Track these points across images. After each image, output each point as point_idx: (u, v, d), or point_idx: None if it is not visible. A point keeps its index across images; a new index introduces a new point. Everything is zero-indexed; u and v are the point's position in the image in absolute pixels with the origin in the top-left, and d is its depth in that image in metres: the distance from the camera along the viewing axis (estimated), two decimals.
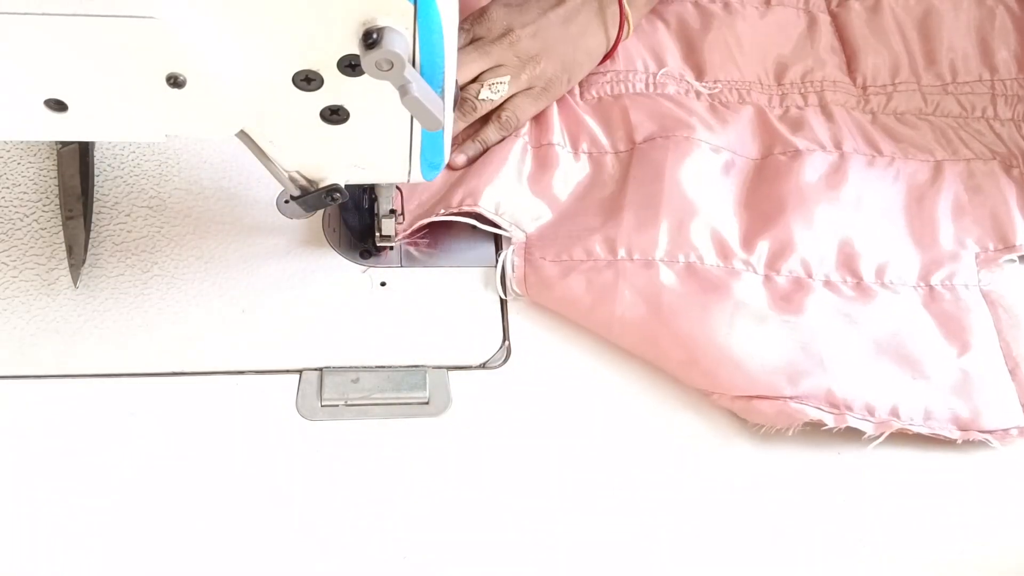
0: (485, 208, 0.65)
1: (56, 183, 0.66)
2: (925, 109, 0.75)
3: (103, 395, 0.59)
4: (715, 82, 0.75)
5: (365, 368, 0.61)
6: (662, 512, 0.57)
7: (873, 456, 0.59)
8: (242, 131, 0.50)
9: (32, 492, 0.55)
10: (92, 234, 0.64)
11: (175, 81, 0.44)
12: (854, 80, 0.77)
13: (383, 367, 0.61)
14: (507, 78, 0.69)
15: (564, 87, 0.72)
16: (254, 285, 0.64)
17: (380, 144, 0.53)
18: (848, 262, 0.65)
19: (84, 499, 0.55)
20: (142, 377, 0.59)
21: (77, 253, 0.62)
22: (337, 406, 0.59)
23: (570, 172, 0.70)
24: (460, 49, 0.67)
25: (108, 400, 0.58)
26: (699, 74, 0.76)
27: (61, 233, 0.64)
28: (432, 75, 0.47)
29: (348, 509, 0.56)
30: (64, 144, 0.66)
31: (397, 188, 0.64)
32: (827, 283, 0.64)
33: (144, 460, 0.56)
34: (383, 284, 0.65)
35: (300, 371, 0.61)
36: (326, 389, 0.60)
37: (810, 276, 0.65)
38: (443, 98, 0.48)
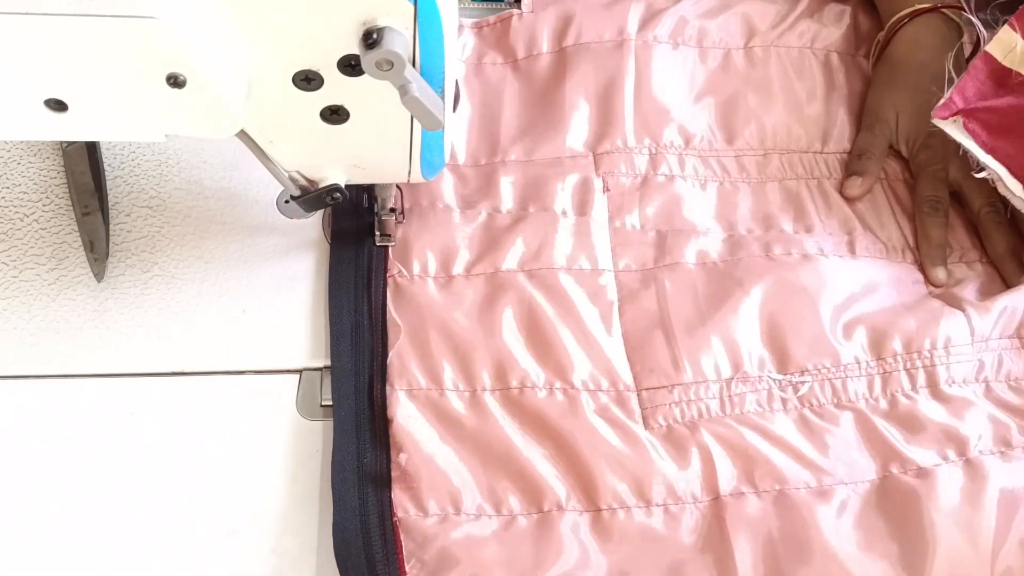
0: None
1: (61, 181, 0.66)
2: None
3: (103, 395, 0.59)
4: (802, 372, 0.62)
5: None
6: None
7: None
8: (242, 131, 0.50)
9: (32, 492, 0.55)
10: (84, 238, 0.64)
11: (175, 81, 0.44)
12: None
13: None
14: None
15: None
16: (254, 285, 0.64)
17: (380, 144, 0.53)
18: None
19: (84, 499, 0.55)
20: (142, 377, 0.59)
21: (99, 248, 0.63)
22: None
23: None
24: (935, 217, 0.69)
25: (108, 400, 0.58)
26: (782, 363, 0.62)
27: (61, 233, 0.64)
28: (432, 75, 0.47)
29: None
30: (69, 142, 0.66)
31: (397, 188, 0.64)
32: None
33: (144, 460, 0.56)
34: None
35: (300, 371, 0.61)
36: (326, 389, 0.60)
37: None
38: (443, 98, 0.48)
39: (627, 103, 0.72)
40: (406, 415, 0.58)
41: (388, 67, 0.43)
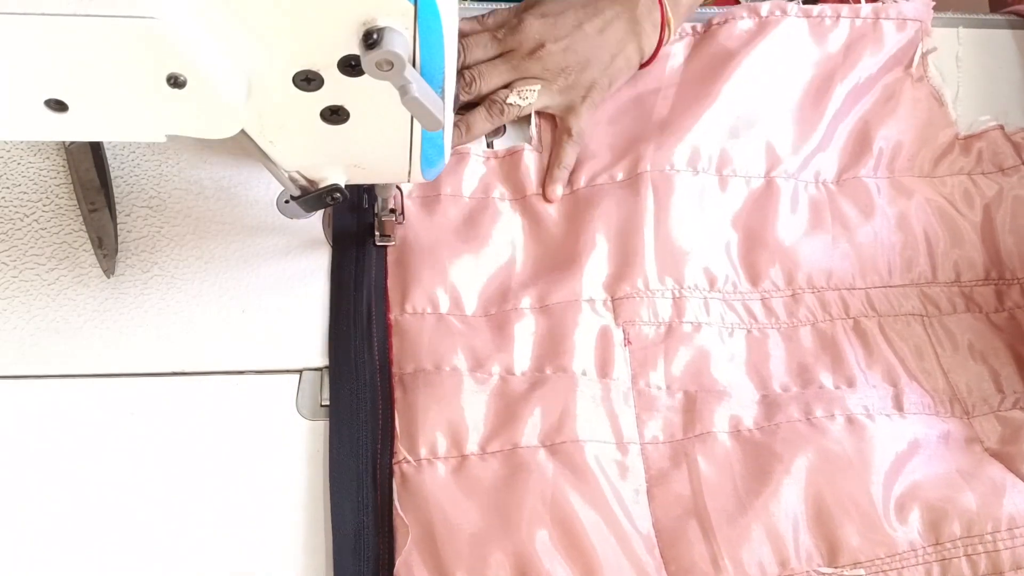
0: None
1: (61, 181, 0.66)
2: None
3: (103, 395, 0.59)
4: (855, 565, 0.56)
5: None
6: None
7: None
8: (242, 131, 0.50)
9: (33, 492, 0.55)
10: (91, 234, 0.64)
11: (175, 81, 0.44)
12: None
13: None
14: (537, 86, 0.67)
15: (605, 91, 0.69)
16: (254, 285, 0.64)
17: (380, 144, 0.53)
18: None
19: (84, 499, 0.55)
20: (142, 377, 0.59)
21: (108, 243, 0.63)
22: None
23: None
24: (490, 60, 0.68)
25: (108, 400, 0.58)
26: (832, 554, 0.57)
27: (61, 233, 0.64)
28: (432, 75, 0.47)
29: None
30: (72, 140, 0.66)
31: (397, 188, 0.64)
32: None
33: (144, 460, 0.56)
34: None
35: (300, 371, 0.61)
36: (326, 389, 0.60)
37: None
38: (443, 98, 0.48)
39: (647, 241, 0.66)
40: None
41: (388, 67, 0.43)
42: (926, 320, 0.68)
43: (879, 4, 0.75)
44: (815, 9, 0.74)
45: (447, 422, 0.58)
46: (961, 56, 0.78)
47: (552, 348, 0.62)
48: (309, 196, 0.56)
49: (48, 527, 0.54)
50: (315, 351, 0.61)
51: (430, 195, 0.67)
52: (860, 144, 0.73)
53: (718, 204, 0.69)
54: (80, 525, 0.54)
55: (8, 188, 0.66)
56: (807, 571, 0.56)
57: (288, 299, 0.63)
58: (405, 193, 0.67)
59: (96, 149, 0.66)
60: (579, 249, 0.65)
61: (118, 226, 0.64)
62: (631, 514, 0.57)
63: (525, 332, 0.62)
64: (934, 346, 0.67)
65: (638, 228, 0.66)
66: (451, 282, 0.64)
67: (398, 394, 0.59)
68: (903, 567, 0.56)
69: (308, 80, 0.47)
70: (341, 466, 0.56)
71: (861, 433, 0.60)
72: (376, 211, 0.63)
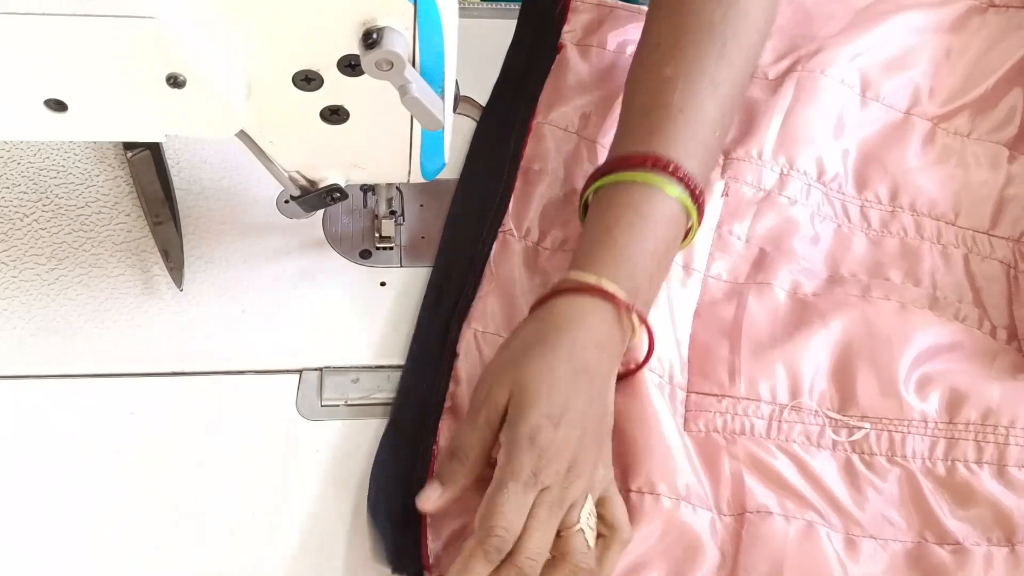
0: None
1: (61, 181, 0.66)
2: None
3: (103, 395, 0.58)
4: (862, 418, 0.59)
5: (365, 368, 0.61)
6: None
7: None
8: (242, 131, 0.50)
9: (32, 492, 0.55)
10: (91, 234, 0.64)
11: (175, 81, 0.44)
12: None
13: (383, 367, 0.61)
14: (589, 503, 0.52)
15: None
16: (254, 285, 0.64)
17: (380, 144, 0.53)
18: None
19: (84, 499, 0.55)
20: (142, 377, 0.59)
21: (174, 256, 0.63)
22: (337, 406, 0.59)
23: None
24: (534, 512, 0.49)
25: (108, 400, 0.58)
26: (844, 403, 0.59)
27: (61, 233, 0.64)
28: (432, 75, 0.47)
29: (348, 509, 0.56)
30: (135, 151, 0.67)
31: (397, 188, 0.64)
32: None
33: (144, 460, 0.56)
34: (383, 284, 0.65)
35: (300, 371, 0.61)
36: (326, 389, 0.60)
37: None
38: (443, 98, 0.48)
39: (774, 121, 0.69)
40: (466, 350, 0.60)
41: (388, 67, 0.43)
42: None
43: None
44: None
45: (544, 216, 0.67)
46: None
47: None
48: (309, 196, 0.56)
49: (48, 527, 0.54)
50: (315, 351, 0.61)
51: None
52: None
53: (853, 119, 0.72)
54: (80, 525, 0.54)
55: (8, 188, 0.66)
56: (816, 410, 0.58)
57: (288, 299, 0.63)
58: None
59: (159, 161, 0.67)
60: None
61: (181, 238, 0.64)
62: (675, 322, 0.61)
63: None
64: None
65: (770, 108, 0.70)
66: None
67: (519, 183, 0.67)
68: (909, 432, 0.58)
69: (308, 80, 0.47)
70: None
71: (909, 318, 0.62)
72: (376, 212, 0.63)
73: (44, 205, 0.66)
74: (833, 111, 0.71)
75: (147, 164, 0.66)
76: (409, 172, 0.56)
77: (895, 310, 0.62)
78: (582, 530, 0.50)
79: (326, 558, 0.54)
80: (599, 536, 0.52)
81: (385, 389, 0.60)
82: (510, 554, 0.48)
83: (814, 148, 0.69)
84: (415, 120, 0.51)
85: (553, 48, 0.74)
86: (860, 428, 0.58)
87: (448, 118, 0.52)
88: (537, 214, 0.66)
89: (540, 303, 0.55)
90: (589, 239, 0.56)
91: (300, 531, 0.55)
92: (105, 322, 0.61)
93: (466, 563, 0.48)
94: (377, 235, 0.65)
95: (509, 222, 0.66)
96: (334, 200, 0.56)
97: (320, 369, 0.61)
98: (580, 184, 0.64)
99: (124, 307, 0.62)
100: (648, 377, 0.57)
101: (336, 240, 0.66)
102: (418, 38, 0.45)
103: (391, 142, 0.53)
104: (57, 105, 0.46)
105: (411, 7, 0.44)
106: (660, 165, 0.56)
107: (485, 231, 0.65)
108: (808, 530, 0.54)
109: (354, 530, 0.55)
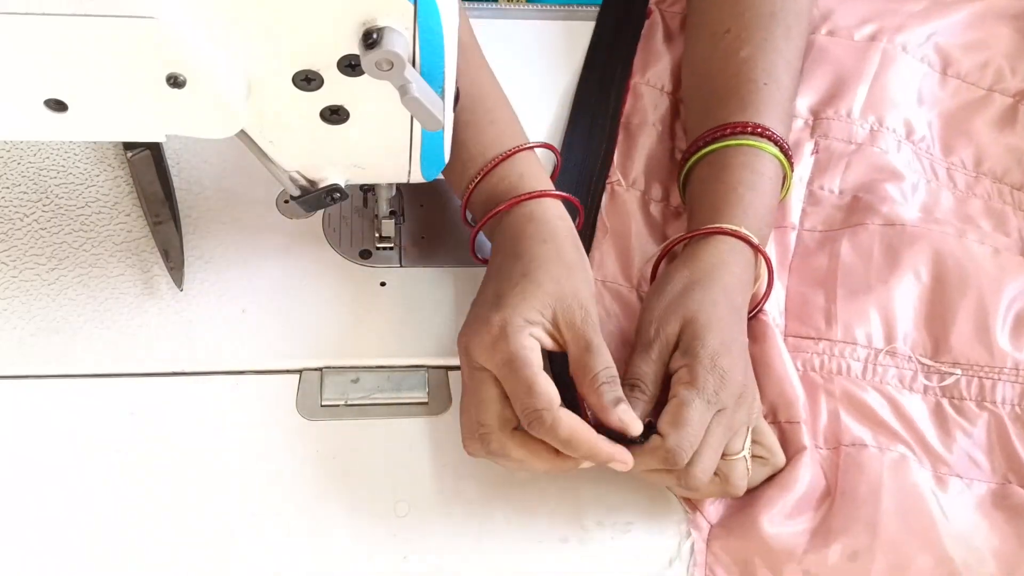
0: None
1: (60, 181, 0.66)
2: None
3: (103, 395, 0.59)
4: (954, 365, 0.61)
5: (365, 368, 0.61)
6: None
7: None
8: (242, 131, 0.50)
9: (32, 492, 0.55)
10: (91, 234, 0.64)
11: (175, 81, 0.44)
12: None
13: (383, 367, 0.61)
14: (749, 435, 0.56)
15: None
16: (254, 285, 0.64)
17: (380, 144, 0.53)
18: None
19: (84, 499, 0.55)
20: (142, 377, 0.59)
21: (174, 256, 0.63)
22: (337, 406, 0.60)
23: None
24: (711, 430, 0.53)
25: (108, 400, 0.58)
26: (937, 350, 0.62)
27: (61, 233, 0.64)
28: (432, 75, 0.47)
29: (348, 509, 0.56)
30: (135, 151, 0.67)
31: (397, 188, 0.64)
32: None
33: (144, 460, 0.56)
34: (383, 284, 0.65)
35: (300, 371, 0.61)
36: (326, 389, 0.60)
37: None
38: (443, 98, 0.48)
39: (864, 83, 0.73)
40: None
41: (388, 67, 0.43)
42: None
43: None
44: None
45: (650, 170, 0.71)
46: None
47: None
48: (309, 196, 0.56)
49: (48, 527, 0.54)
50: (315, 351, 0.61)
51: None
52: None
53: (933, 94, 0.74)
54: (80, 525, 0.54)
55: (8, 188, 0.66)
56: (909, 356, 0.61)
57: (288, 299, 0.63)
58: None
59: (159, 161, 0.67)
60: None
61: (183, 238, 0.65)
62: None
63: None
64: None
65: (858, 72, 0.73)
66: None
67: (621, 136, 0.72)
68: (999, 379, 0.60)
69: (308, 80, 0.47)
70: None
71: (1002, 262, 0.64)
72: (376, 212, 0.63)
73: (44, 205, 0.66)
74: (913, 85, 0.74)
75: (147, 164, 0.66)
76: (409, 172, 0.56)
77: (989, 254, 0.65)
78: (744, 458, 0.54)
79: (327, 558, 0.54)
80: (755, 457, 0.56)
81: (385, 389, 0.60)
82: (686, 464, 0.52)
83: (900, 112, 0.73)
84: (415, 120, 0.51)
85: (642, 11, 0.79)
86: (951, 374, 0.60)
87: (448, 118, 0.52)
88: (642, 166, 0.70)
89: (684, 249, 0.61)
90: (715, 194, 0.62)
91: (300, 531, 0.55)
92: (105, 322, 0.61)
93: (645, 461, 0.52)
94: (377, 235, 0.65)
95: (616, 173, 0.69)
96: (334, 200, 0.56)
97: (320, 369, 0.61)
98: (678, 140, 0.72)
99: (124, 307, 0.62)
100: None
101: (336, 240, 0.66)
102: (418, 38, 0.45)
103: (391, 142, 0.53)
104: (57, 105, 0.46)
105: (411, 7, 0.44)
106: (759, 131, 0.63)
107: (593, 183, 0.69)
108: (901, 460, 0.57)
109: (354, 530, 0.55)
